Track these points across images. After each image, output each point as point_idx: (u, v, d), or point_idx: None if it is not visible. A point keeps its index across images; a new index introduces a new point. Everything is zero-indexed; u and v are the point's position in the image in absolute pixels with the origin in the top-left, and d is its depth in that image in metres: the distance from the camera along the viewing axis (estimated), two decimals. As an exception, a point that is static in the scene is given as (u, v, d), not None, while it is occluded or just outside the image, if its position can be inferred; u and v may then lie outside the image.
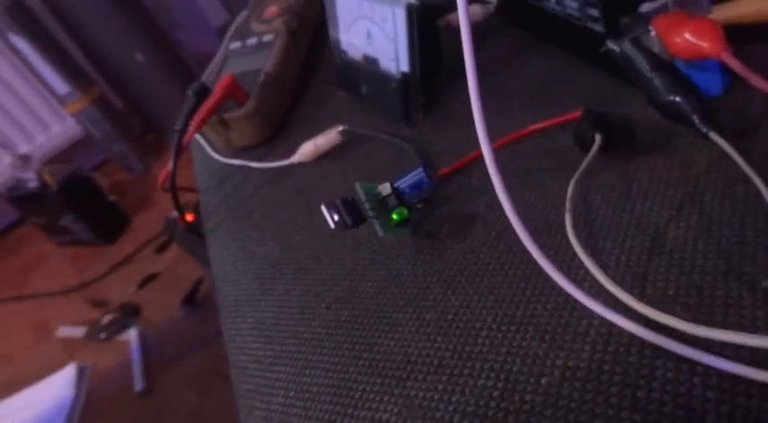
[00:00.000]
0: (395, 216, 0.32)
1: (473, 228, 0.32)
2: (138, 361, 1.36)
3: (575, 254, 0.26)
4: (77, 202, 1.75)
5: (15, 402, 1.40)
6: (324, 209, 0.30)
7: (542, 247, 0.25)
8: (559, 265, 0.25)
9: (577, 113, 0.35)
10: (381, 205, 0.32)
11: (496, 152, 0.37)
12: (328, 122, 0.50)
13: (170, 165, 0.47)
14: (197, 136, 0.56)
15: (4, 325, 1.76)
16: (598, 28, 0.38)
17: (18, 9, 1.75)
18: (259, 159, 0.50)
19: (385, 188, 0.32)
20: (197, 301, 1.45)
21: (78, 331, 1.55)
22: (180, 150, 0.47)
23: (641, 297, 0.23)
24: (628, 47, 0.31)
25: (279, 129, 0.53)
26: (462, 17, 0.25)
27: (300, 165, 0.47)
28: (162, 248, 1.71)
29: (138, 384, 1.30)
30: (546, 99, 0.39)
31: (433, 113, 0.44)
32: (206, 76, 0.56)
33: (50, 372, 1.46)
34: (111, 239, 1.84)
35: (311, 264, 0.37)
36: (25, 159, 1.80)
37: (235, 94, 0.48)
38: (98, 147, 2.05)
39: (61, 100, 1.90)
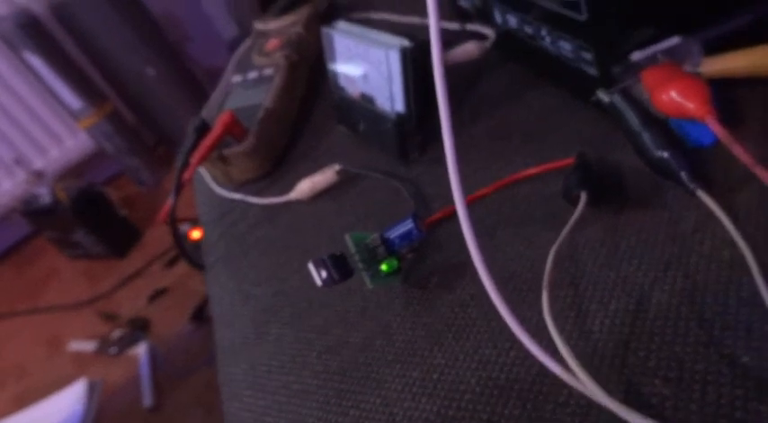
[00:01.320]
0: (384, 267, 0.32)
1: (463, 279, 0.32)
2: (146, 377, 1.37)
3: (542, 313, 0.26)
4: (89, 218, 1.77)
5: (26, 417, 1.42)
6: (311, 267, 0.30)
7: (520, 314, 0.25)
8: (537, 336, 0.25)
9: (570, 160, 0.35)
10: (371, 256, 0.32)
11: (487, 199, 0.37)
12: (327, 157, 0.50)
13: (170, 200, 0.48)
14: (199, 168, 0.56)
15: (18, 338, 1.78)
16: (591, 71, 0.38)
17: (32, 26, 1.79)
18: (258, 193, 0.51)
19: (375, 239, 0.33)
20: (205, 316, 1.46)
21: (89, 345, 1.57)
22: (180, 187, 0.48)
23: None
24: (617, 99, 0.31)
25: (278, 162, 0.53)
26: (437, 71, 0.25)
27: (297, 202, 0.47)
28: (172, 263, 1.72)
29: (147, 400, 1.31)
30: (542, 140, 0.39)
31: (429, 152, 0.45)
32: (208, 109, 0.57)
33: (62, 385, 1.48)
34: (122, 253, 1.86)
35: (304, 308, 0.37)
36: (39, 175, 1.83)
37: (234, 130, 0.49)
38: (110, 161, 2.08)
39: (75, 115, 1.92)
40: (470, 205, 0.37)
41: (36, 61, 1.81)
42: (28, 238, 2.14)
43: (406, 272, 0.34)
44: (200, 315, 1.47)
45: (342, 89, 0.49)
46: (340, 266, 0.30)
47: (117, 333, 1.55)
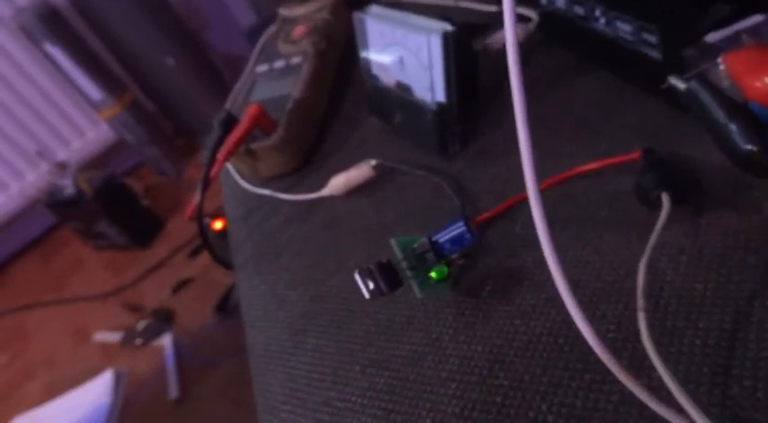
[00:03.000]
0: (434, 274, 0.30)
1: (520, 287, 0.29)
2: (172, 368, 1.37)
3: (639, 336, 0.23)
4: (112, 208, 1.77)
5: (55, 407, 1.43)
6: (357, 277, 0.28)
7: (601, 332, 0.22)
8: (622, 357, 0.22)
9: (635, 155, 0.31)
10: (419, 262, 0.30)
11: (543, 203, 0.34)
12: (359, 151, 0.48)
13: (197, 198, 0.45)
14: (226, 164, 0.54)
15: (46, 328, 1.80)
16: (654, 55, 0.35)
17: (52, 17, 1.78)
18: (288, 190, 0.48)
19: (423, 244, 0.30)
20: (229, 307, 1.46)
21: (114, 336, 1.58)
22: (207, 183, 0.46)
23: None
24: (695, 86, 0.28)
25: (308, 157, 0.51)
26: (510, 43, 0.22)
27: (331, 199, 0.45)
28: (195, 253, 1.72)
29: (173, 392, 1.31)
30: (596, 132, 0.36)
31: (471, 145, 0.42)
32: (232, 100, 0.55)
33: (89, 376, 1.49)
34: (145, 244, 1.86)
35: (344, 317, 0.34)
36: (62, 166, 1.83)
37: (262, 123, 0.46)
38: (131, 151, 2.08)
39: (96, 106, 1.92)
40: (520, 204, 0.34)
41: (56, 52, 1.80)
42: (52, 229, 2.15)
43: (456, 278, 0.32)
44: (225, 306, 1.46)
45: (375, 78, 0.46)
46: (388, 276, 0.28)
47: (142, 324, 1.55)
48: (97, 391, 1.42)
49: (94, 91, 1.87)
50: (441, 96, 0.40)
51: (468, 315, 0.29)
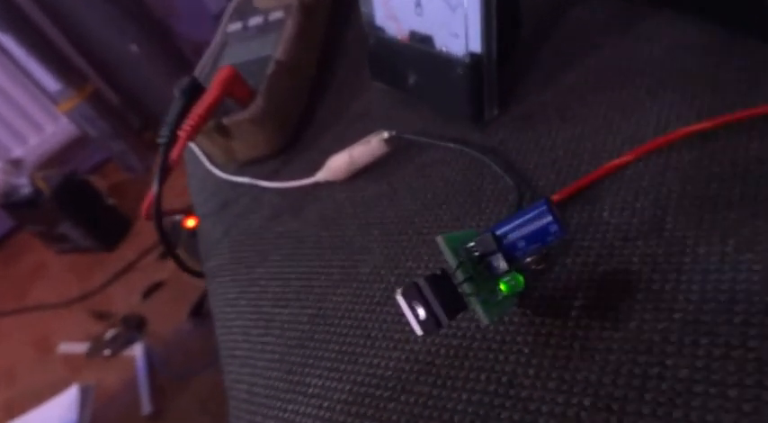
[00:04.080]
0: (503, 287, 0.20)
1: (630, 300, 0.20)
2: (144, 381, 1.25)
3: None
4: (74, 208, 1.64)
5: (16, 428, 1.31)
6: (401, 301, 0.17)
7: None
8: None
9: (765, 108, 0.22)
10: (478, 270, 0.20)
11: (631, 169, 0.25)
12: (362, 124, 0.37)
13: (153, 188, 0.35)
14: (191, 144, 0.44)
15: (6, 340, 1.66)
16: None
17: (2, 3, 1.63)
18: (273, 176, 0.38)
19: (483, 242, 0.20)
20: (205, 312, 1.34)
21: (80, 347, 1.45)
22: (166, 170, 0.35)
23: None
24: None
25: (296, 134, 0.40)
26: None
27: (329, 185, 0.35)
28: (167, 254, 1.59)
29: (146, 407, 1.20)
30: (690, 84, 0.27)
31: (512, 108, 0.32)
32: (199, 69, 0.44)
33: (53, 391, 1.36)
34: (112, 246, 1.73)
35: (359, 344, 0.25)
36: (16, 164, 1.69)
37: (236, 91, 0.36)
38: (95, 147, 1.94)
39: (53, 98, 1.77)
40: (607, 179, 0.25)
41: (7, 41, 1.65)
42: (11, 232, 2.00)
43: (526, 289, 0.22)
44: (200, 310, 1.35)
45: (381, 30, 0.36)
46: (445, 294, 0.18)
47: (110, 333, 1.43)
48: (62, 407, 1.29)
49: (51, 82, 1.73)
50: (475, 45, 0.30)
51: (554, 346, 0.20)
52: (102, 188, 1.75)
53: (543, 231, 0.19)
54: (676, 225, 0.21)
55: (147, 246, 1.66)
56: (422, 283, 0.17)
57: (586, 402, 0.18)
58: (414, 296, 0.17)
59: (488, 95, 0.31)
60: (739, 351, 0.17)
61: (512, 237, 0.20)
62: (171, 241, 0.36)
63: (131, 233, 1.76)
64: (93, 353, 1.42)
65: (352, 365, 0.24)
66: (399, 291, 0.17)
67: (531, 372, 0.19)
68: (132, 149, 1.92)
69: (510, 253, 0.20)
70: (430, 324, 0.17)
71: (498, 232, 0.20)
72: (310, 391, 0.24)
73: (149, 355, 1.32)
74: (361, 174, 0.34)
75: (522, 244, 0.20)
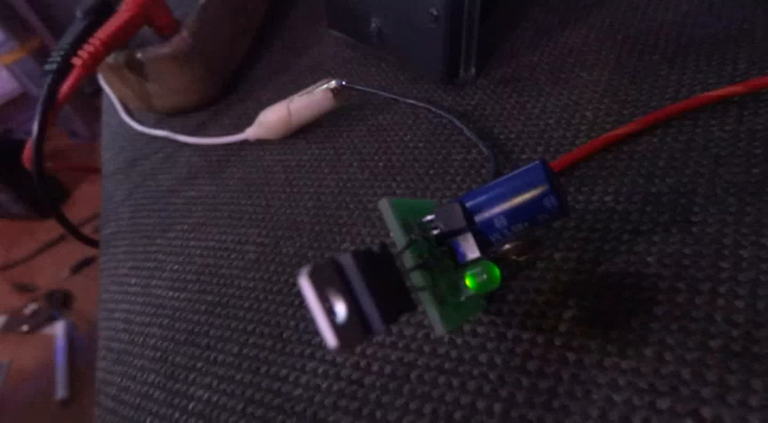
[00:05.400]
0: (470, 281, 0.14)
1: (646, 316, 0.14)
2: (62, 363, 1.15)
3: None
4: (6, 171, 1.50)
5: None
6: (308, 289, 0.11)
7: None
8: None
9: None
10: (436, 255, 0.14)
11: (645, 140, 0.19)
12: (309, 78, 0.31)
13: (34, 129, 0.27)
14: (106, 89, 0.36)
15: None
16: None
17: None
18: (196, 131, 0.31)
19: (448, 214, 0.14)
20: (139, 293, 1.24)
21: (-4, 320, 1.33)
22: (51, 103, 0.28)
23: None
24: None
25: (229, 84, 0.33)
26: None
27: (260, 144, 0.28)
28: (103, 228, 1.48)
29: (60, 391, 1.09)
30: (718, 50, 0.21)
31: (493, 70, 0.26)
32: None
33: (-39, 366, 1.24)
34: (45, 214, 1.60)
35: (265, 346, 0.18)
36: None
37: (156, 16, 0.29)
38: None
39: (-7, 49, 1.63)
40: (612, 155, 0.19)
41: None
42: (-66, 190, 1.83)
43: (501, 289, 0.16)
44: (133, 291, 1.25)
45: (343, -36, 0.30)
46: (384, 285, 0.11)
47: (31, 307, 1.31)
48: (-33, 385, 1.18)
49: (-8, 30, 1.59)
50: (455, -19, 0.24)
51: (534, 373, 0.14)
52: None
53: (534, 206, 0.13)
54: (707, 217, 0.15)
55: (83, 217, 1.54)
56: (346, 260, 0.11)
57: (579, 465, 0.12)
58: (330, 281, 0.10)
59: (466, 49, 0.25)
60: (818, 405, 0.11)
61: (488, 212, 0.14)
62: (50, 193, 0.28)
63: (68, 202, 1.63)
64: (10, 327, 1.30)
65: (252, 376, 0.17)
66: (305, 270, 0.10)
67: (498, 408, 0.13)
68: (78, 113, 1.79)
69: (483, 235, 0.14)
70: (353, 329, 0.10)
71: (469, 204, 0.14)
72: (191, 406, 0.18)
73: (71, 336, 1.21)
74: (300, 133, 0.27)
75: (501, 223, 0.14)
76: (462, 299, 0.14)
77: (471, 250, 0.13)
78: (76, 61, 0.27)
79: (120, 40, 0.28)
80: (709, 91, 0.19)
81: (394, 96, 0.24)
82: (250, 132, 0.28)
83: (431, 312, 0.13)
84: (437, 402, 0.14)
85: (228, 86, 0.33)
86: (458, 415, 0.14)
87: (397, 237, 0.13)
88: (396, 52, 0.28)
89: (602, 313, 0.14)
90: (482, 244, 0.14)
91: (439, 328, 0.12)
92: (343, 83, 0.25)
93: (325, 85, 0.25)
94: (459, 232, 0.14)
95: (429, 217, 0.14)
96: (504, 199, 0.14)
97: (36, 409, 1.11)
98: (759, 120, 0.18)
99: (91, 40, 0.27)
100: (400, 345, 0.16)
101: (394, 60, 0.29)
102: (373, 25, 0.29)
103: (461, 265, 0.14)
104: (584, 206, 0.17)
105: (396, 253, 0.12)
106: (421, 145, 0.23)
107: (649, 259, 0.15)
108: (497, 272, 0.13)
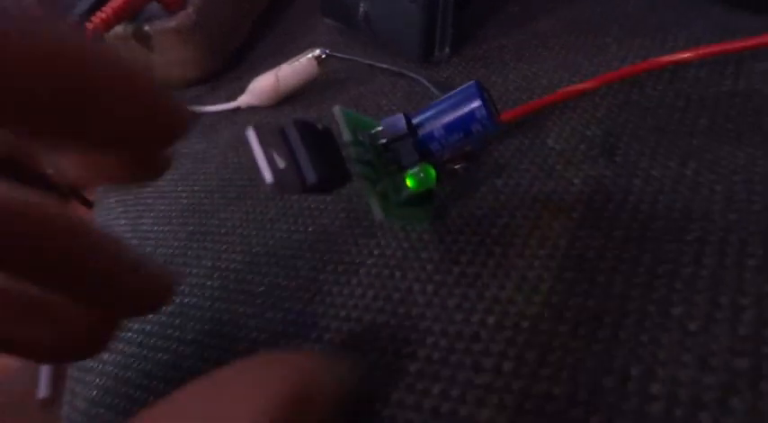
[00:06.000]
0: (410, 181, 0.16)
1: (565, 219, 0.16)
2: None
3: None
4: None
5: None
6: (252, 138, 0.13)
7: None
8: None
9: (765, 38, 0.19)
10: (381, 161, 0.16)
11: (596, 103, 0.21)
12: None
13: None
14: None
15: None
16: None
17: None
18: (191, 101, 0.34)
19: (392, 127, 0.16)
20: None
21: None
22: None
23: None
24: None
25: (229, 65, 0.36)
26: None
27: (251, 110, 0.30)
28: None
29: (42, 390, 1.09)
30: (662, 32, 0.24)
31: (465, 51, 0.29)
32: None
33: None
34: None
35: (235, 260, 0.20)
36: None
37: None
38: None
39: None
40: (558, 109, 0.21)
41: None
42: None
43: (444, 204, 0.18)
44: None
45: (338, -43, 0.33)
46: (322, 153, 0.13)
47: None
48: (-51, 382, 1.17)
49: None
50: (433, -33, 0.27)
51: (465, 263, 0.16)
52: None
53: (468, 118, 0.16)
54: (629, 150, 0.18)
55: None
56: (288, 125, 0.13)
57: (490, 321, 0.14)
58: (272, 139, 0.12)
59: (441, 30, 0.28)
60: (690, 268, 0.13)
61: (428, 124, 0.16)
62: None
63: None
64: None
65: (221, 281, 0.19)
66: (251, 127, 0.12)
67: (430, 288, 0.15)
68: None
69: (425, 145, 0.16)
70: (290, 176, 0.12)
71: (413, 119, 0.16)
72: (166, 310, 0.20)
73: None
74: (288, 100, 0.29)
75: (440, 132, 0.16)
76: (403, 197, 0.16)
77: (411, 153, 0.16)
78: (89, 25, 0.30)
79: (130, 12, 0.31)
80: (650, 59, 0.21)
81: (371, 62, 0.27)
82: (242, 99, 0.30)
83: (370, 199, 0.15)
84: (378, 289, 0.16)
85: (228, 64, 0.36)
86: (396, 296, 0.16)
87: (345, 135, 0.15)
88: (380, 34, 0.31)
89: (529, 220, 0.16)
90: (424, 154, 0.16)
91: (377, 213, 0.14)
92: (327, 52, 0.28)
93: (311, 54, 0.28)
94: (402, 139, 0.16)
95: (377, 128, 0.16)
96: (443, 112, 0.16)
97: (14, 410, 1.10)
98: (687, 82, 0.20)
99: (103, 8, 0.30)
100: (353, 251, 0.18)
101: (379, 42, 0.31)
102: (361, 10, 0.31)
103: (404, 168, 0.16)
104: (527, 146, 0.20)
105: (342, 144, 0.15)
106: (395, 109, 0.26)
107: (575, 181, 0.17)
108: (433, 172, 0.15)
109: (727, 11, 0.24)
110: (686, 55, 0.20)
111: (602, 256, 0.14)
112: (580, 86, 0.21)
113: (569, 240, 0.15)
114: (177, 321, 0.19)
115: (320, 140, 0.13)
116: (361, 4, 0.31)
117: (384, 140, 0.16)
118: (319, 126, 0.14)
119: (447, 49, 0.29)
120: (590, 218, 0.15)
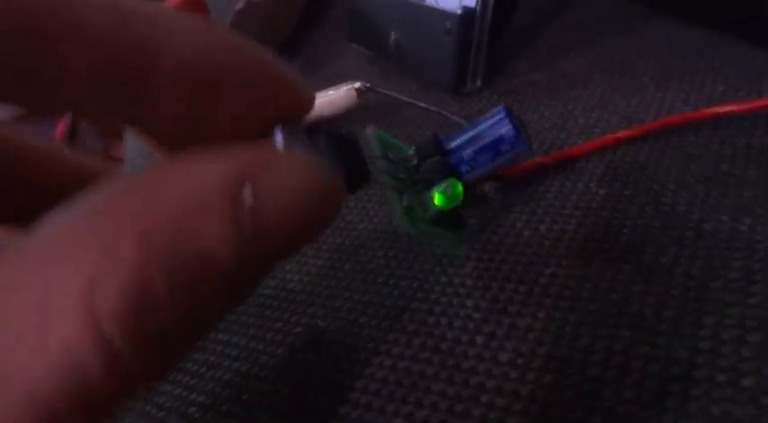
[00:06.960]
0: (437, 196, 0.15)
1: (616, 272, 0.16)
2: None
3: None
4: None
5: None
6: (278, 131, 0.12)
7: None
8: None
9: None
10: (410, 179, 0.16)
11: (637, 148, 0.21)
12: (334, 82, 0.33)
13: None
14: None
15: None
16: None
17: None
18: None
19: (424, 148, 0.16)
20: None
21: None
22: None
23: None
24: None
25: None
26: None
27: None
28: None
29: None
30: (700, 76, 0.24)
31: (497, 84, 0.29)
32: None
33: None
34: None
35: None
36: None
37: (193, 12, 0.31)
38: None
39: None
40: (599, 152, 0.21)
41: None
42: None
43: (475, 228, 0.18)
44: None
45: (368, -16, 0.33)
46: (343, 151, 0.13)
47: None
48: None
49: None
50: (470, -1, 0.27)
51: (514, 314, 0.15)
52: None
53: (500, 141, 0.16)
54: (677, 199, 0.17)
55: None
56: (315, 133, 0.12)
57: (547, 380, 0.13)
58: (299, 136, 0.12)
59: (474, 62, 0.28)
60: (756, 335, 0.13)
61: (458, 151, 0.16)
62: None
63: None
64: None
65: (256, 319, 0.19)
66: (279, 123, 0.12)
67: (480, 340, 0.15)
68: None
69: (454, 168, 0.16)
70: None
71: (444, 143, 0.16)
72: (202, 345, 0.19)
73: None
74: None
75: (468, 154, 0.16)
76: (431, 212, 0.16)
77: (440, 171, 0.16)
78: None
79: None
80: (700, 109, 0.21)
81: (410, 100, 0.27)
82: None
83: (396, 209, 0.15)
84: (424, 337, 0.16)
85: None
86: (443, 346, 0.15)
87: (375, 150, 0.15)
88: (411, 63, 0.31)
89: (578, 269, 0.16)
90: (453, 175, 0.16)
91: (401, 225, 0.15)
92: (368, 85, 0.28)
93: (351, 86, 0.28)
94: (432, 157, 0.16)
95: (410, 153, 0.16)
96: (471, 136, 0.16)
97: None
98: (730, 131, 0.20)
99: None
100: (395, 293, 0.18)
101: (408, 71, 0.31)
102: (392, 38, 0.31)
103: (432, 185, 0.16)
104: (569, 189, 0.19)
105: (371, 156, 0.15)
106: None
107: (624, 231, 0.17)
108: (461, 188, 0.15)
109: (749, 48, 0.24)
110: (731, 108, 0.20)
111: (659, 315, 0.14)
112: (621, 135, 0.21)
113: (623, 296, 0.15)
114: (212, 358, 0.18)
115: (344, 142, 0.13)
116: (393, 33, 0.31)
117: (415, 163, 0.16)
118: (344, 132, 0.13)
119: (479, 82, 0.29)
120: (643, 272, 0.15)
